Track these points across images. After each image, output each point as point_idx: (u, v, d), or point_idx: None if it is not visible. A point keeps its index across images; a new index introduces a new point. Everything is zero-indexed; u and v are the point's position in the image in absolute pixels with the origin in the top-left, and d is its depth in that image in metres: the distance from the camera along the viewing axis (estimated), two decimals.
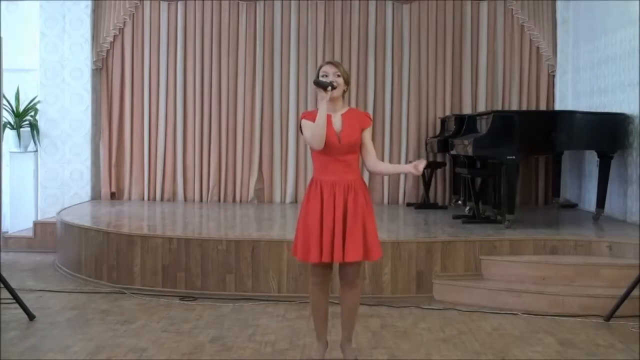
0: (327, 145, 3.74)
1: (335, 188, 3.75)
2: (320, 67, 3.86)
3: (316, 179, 3.82)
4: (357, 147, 3.85)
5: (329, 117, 3.77)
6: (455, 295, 5.49)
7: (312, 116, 3.79)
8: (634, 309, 4.94)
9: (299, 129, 3.89)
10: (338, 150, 3.77)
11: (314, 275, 3.89)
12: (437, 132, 8.69)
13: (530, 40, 8.76)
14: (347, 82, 3.83)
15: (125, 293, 5.64)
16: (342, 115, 3.83)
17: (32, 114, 8.86)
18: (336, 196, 3.74)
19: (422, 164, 3.75)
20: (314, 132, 3.71)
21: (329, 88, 3.72)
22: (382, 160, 8.59)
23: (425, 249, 5.65)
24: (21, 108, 8.80)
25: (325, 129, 3.71)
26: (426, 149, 8.69)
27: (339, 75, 3.78)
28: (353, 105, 8.54)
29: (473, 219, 6.85)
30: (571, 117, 6.60)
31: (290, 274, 5.58)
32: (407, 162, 8.67)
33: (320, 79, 3.78)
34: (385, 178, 8.69)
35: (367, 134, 3.88)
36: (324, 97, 3.73)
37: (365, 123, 3.86)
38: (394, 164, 3.99)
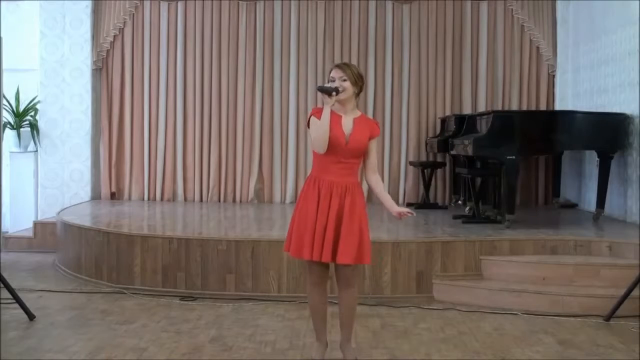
0: (334, 145, 3.73)
1: (333, 189, 3.75)
2: (330, 71, 3.85)
3: (314, 177, 3.82)
4: (362, 153, 3.84)
5: (339, 118, 3.77)
6: (455, 295, 5.49)
7: (321, 113, 3.76)
8: (634, 309, 4.94)
9: (307, 123, 3.87)
10: (343, 152, 3.76)
11: (311, 274, 3.89)
12: (437, 132, 8.69)
13: (530, 40, 8.76)
14: (356, 84, 3.80)
15: (125, 293, 5.64)
16: (354, 119, 3.82)
17: (32, 114, 8.87)
18: (333, 197, 3.74)
19: (406, 216, 3.81)
20: (316, 136, 3.72)
21: (333, 93, 3.72)
22: (383, 163, 8.64)
23: (425, 249, 5.65)
24: (21, 108, 8.81)
25: (327, 134, 3.70)
26: (426, 149, 8.70)
27: (344, 80, 3.77)
28: None
29: (473, 219, 6.85)
30: (571, 117, 6.61)
31: (290, 274, 5.58)
32: (407, 162, 8.72)
33: (328, 84, 3.78)
34: (385, 178, 8.68)
35: (374, 143, 3.88)
36: (328, 102, 3.73)
37: (375, 132, 3.86)
38: (386, 195, 3.97)
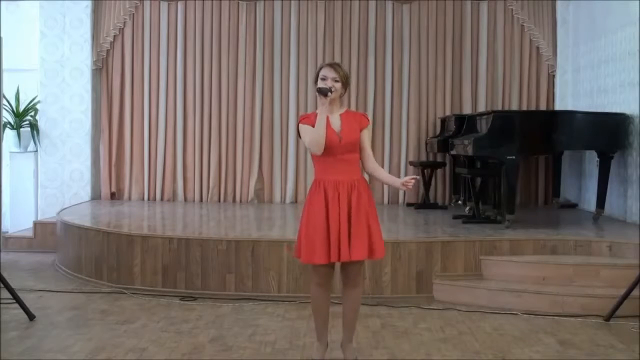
0: (328, 145, 3.76)
1: (339, 187, 3.77)
2: (320, 69, 3.87)
3: (319, 180, 3.84)
4: (357, 147, 3.86)
5: (327, 119, 3.79)
6: (455, 295, 5.49)
7: (310, 120, 3.81)
8: (634, 309, 4.94)
9: (297, 132, 3.91)
10: (339, 150, 3.79)
11: (318, 276, 3.88)
12: (437, 132, 8.69)
13: (530, 40, 8.77)
14: (345, 86, 3.85)
15: (125, 293, 5.64)
16: (340, 115, 3.87)
17: (32, 114, 8.87)
18: (340, 196, 3.76)
19: (410, 183, 3.77)
20: (312, 137, 3.74)
21: (329, 94, 3.75)
22: (383, 163, 8.62)
23: (425, 249, 5.65)
24: (21, 108, 8.80)
25: (324, 135, 3.73)
26: (426, 149, 8.70)
27: (337, 81, 3.80)
28: (353, 104, 8.59)
29: (473, 219, 6.85)
30: (571, 117, 6.61)
31: (290, 274, 5.58)
32: (407, 162, 8.72)
33: (320, 81, 3.82)
34: None
35: (366, 136, 3.90)
36: (323, 102, 3.76)
37: (364, 123, 3.89)
38: (390, 175, 4.03)
